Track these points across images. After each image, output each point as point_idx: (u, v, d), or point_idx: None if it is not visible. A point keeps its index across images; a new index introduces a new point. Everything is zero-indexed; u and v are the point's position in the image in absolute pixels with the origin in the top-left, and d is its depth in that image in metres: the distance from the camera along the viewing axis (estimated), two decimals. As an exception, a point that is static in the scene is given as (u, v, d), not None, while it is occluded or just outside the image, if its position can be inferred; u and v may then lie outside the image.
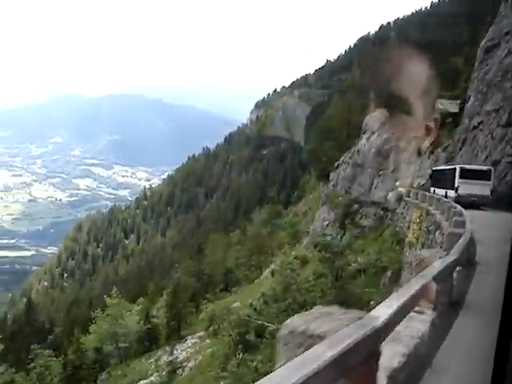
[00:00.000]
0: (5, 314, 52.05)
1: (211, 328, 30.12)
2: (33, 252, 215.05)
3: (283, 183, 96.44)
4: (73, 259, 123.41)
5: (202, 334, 33.68)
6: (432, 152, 48.66)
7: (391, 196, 38.32)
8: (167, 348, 34.47)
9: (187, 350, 32.89)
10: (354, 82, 77.32)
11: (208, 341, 32.19)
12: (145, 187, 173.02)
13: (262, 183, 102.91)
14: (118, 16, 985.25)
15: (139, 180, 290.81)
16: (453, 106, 41.56)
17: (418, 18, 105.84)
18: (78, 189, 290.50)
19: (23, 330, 47.57)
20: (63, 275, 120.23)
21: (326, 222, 45.52)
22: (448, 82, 46.30)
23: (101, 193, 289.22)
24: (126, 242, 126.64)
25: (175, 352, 33.14)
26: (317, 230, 45.64)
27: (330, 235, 40.81)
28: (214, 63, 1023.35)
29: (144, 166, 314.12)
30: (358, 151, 44.55)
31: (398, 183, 40.53)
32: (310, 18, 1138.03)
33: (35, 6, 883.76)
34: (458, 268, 6.69)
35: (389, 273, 27.62)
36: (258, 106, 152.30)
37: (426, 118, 44.01)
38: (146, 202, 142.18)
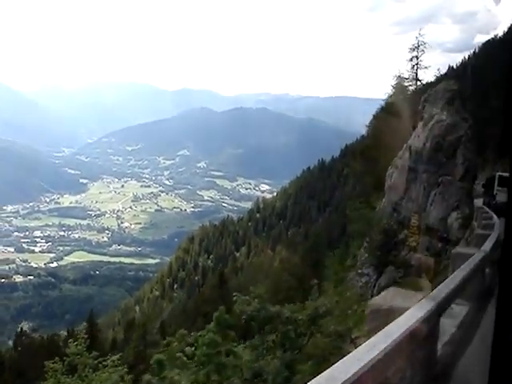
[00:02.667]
0: (72, 330, 48.18)
1: None
2: (157, 260, 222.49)
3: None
4: (183, 270, 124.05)
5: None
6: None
7: (454, 219, 24.41)
8: None
9: None
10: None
11: None
12: (258, 199, 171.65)
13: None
14: (243, 28, 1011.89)
15: (262, 192, 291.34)
16: None
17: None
18: (203, 200, 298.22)
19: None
20: (173, 285, 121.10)
21: (364, 257, 30.87)
22: None
23: (224, 204, 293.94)
24: (237, 254, 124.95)
25: None
26: (357, 269, 31.13)
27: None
28: (333, 75, 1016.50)
29: (267, 178, 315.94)
30: (410, 147, 29.45)
31: (477, 200, 27.89)
32: (433, 24, 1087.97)
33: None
34: None
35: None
36: (376, 117, 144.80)
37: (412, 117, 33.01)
38: (258, 215, 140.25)
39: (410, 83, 37.34)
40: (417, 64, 36.36)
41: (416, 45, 36.30)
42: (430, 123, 27.52)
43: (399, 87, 38.50)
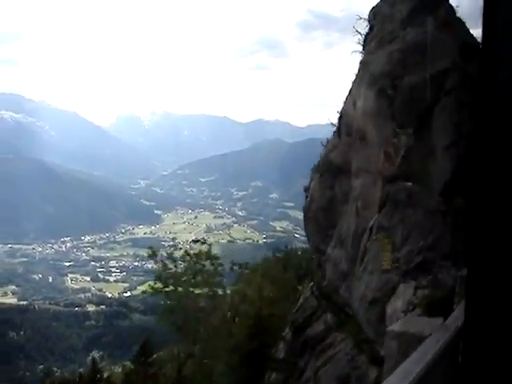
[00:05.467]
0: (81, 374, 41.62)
1: None
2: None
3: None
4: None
5: None
6: None
7: (401, 305, 8.91)
8: None
9: None
10: None
11: None
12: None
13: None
14: (316, 60, 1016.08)
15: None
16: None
17: None
18: (275, 231, 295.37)
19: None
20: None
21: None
22: None
23: (296, 235, 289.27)
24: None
25: None
26: None
27: None
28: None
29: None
30: (340, 117, 15.94)
31: None
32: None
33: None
34: None
35: None
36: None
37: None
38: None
39: None
40: None
41: None
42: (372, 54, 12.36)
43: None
